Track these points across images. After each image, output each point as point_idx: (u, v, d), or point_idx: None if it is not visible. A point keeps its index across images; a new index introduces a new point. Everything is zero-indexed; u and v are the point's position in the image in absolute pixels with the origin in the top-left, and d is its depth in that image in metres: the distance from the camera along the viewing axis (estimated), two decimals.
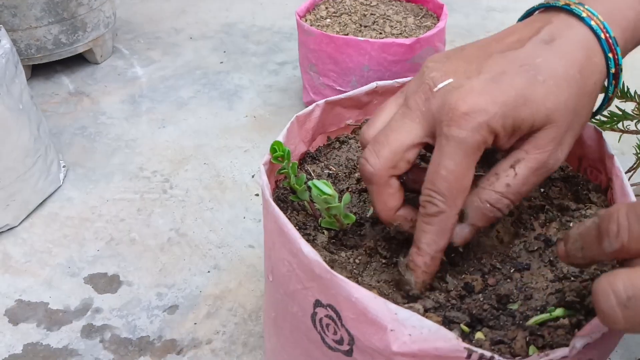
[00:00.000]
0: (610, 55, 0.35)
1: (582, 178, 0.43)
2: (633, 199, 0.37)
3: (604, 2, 0.36)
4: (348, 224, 0.40)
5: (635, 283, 0.23)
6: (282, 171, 0.42)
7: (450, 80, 0.33)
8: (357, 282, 0.37)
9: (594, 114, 0.40)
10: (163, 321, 0.61)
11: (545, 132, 0.33)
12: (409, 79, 0.51)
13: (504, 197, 0.34)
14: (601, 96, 0.39)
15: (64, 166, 0.83)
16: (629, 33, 0.36)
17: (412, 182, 0.37)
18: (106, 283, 0.66)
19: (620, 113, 0.50)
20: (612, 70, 0.35)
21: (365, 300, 0.30)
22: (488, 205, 0.34)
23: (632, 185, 0.51)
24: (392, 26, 0.88)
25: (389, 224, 0.37)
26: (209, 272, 0.66)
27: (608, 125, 0.51)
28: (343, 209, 0.38)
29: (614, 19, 0.35)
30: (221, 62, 1.12)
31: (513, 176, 0.34)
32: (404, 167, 0.35)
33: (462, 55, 0.35)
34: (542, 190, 0.43)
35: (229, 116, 0.96)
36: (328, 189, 0.36)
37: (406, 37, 0.84)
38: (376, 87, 0.50)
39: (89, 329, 0.60)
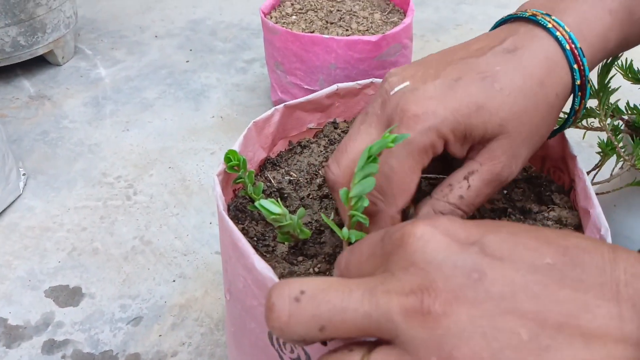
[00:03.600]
0: (575, 66, 0.34)
1: (545, 178, 0.43)
2: (595, 201, 0.36)
3: (572, 14, 0.35)
4: (304, 238, 0.38)
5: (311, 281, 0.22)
6: (238, 180, 0.40)
7: (407, 83, 0.34)
8: None
9: (560, 128, 0.40)
10: (127, 334, 0.59)
11: (499, 142, 0.33)
12: (369, 80, 0.50)
13: (457, 209, 0.33)
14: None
15: (24, 174, 0.80)
16: (598, 45, 0.36)
17: None
18: (68, 296, 0.63)
19: (584, 110, 0.49)
20: (578, 82, 0.35)
21: None
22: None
23: (595, 183, 0.50)
24: (358, 22, 0.87)
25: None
26: (174, 281, 0.65)
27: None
28: (298, 224, 0.37)
29: (582, 30, 0.35)
30: (187, 61, 1.10)
31: (466, 188, 0.33)
32: None
33: (424, 61, 0.36)
34: (505, 192, 0.42)
35: (195, 117, 0.94)
36: (276, 207, 0.35)
37: (373, 34, 0.83)
38: (337, 89, 0.48)
39: (50, 344, 0.58)
